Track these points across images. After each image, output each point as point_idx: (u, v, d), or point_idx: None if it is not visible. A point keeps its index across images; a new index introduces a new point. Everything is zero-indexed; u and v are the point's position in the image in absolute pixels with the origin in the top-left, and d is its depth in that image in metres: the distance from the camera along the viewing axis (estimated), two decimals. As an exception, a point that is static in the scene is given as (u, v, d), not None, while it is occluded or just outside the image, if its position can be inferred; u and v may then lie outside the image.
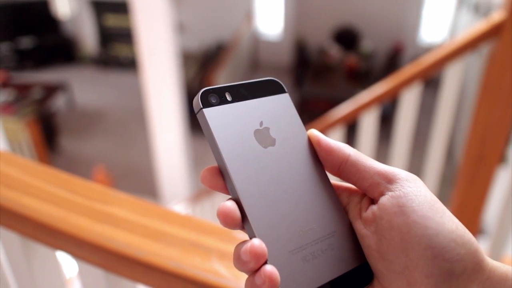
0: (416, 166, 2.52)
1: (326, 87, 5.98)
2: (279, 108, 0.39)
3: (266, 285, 0.30)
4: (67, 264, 1.36)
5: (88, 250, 0.63)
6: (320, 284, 0.34)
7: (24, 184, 0.70)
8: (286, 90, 0.40)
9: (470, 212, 1.74)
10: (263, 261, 0.31)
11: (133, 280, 0.63)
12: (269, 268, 0.31)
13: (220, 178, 0.35)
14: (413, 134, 2.02)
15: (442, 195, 2.40)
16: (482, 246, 2.16)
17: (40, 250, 0.75)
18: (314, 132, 0.38)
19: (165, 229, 0.62)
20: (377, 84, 1.98)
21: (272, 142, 0.37)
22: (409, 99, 1.89)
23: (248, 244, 0.31)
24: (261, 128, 0.37)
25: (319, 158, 0.38)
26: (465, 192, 1.72)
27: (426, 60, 1.78)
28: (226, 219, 0.33)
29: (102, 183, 3.61)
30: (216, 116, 0.36)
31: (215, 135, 0.35)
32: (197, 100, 0.36)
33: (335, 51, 6.49)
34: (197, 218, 0.64)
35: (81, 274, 0.72)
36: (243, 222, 0.34)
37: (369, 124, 2.00)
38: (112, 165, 4.92)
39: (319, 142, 0.38)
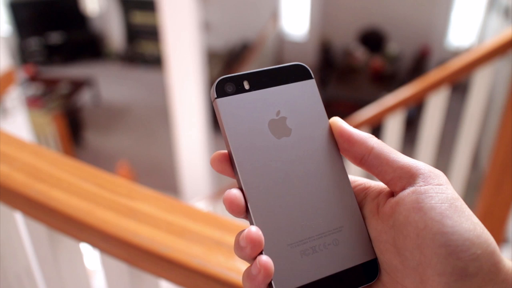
0: (441, 171, 2.48)
1: (350, 89, 5.94)
2: (301, 96, 0.38)
3: (261, 274, 0.31)
4: (90, 256, 1.38)
5: (112, 244, 0.64)
6: (315, 279, 0.33)
7: (53, 177, 0.71)
8: (313, 76, 0.39)
9: (495, 220, 1.71)
10: (259, 249, 0.32)
11: (156, 275, 0.64)
12: (264, 258, 0.31)
13: (228, 164, 0.35)
14: (439, 139, 2.00)
15: (467, 202, 2.35)
16: (506, 255, 2.12)
17: (66, 242, 0.77)
18: (337, 121, 0.37)
19: (189, 226, 0.63)
20: (403, 88, 1.96)
21: (288, 133, 0.36)
22: (436, 104, 1.87)
23: (246, 230, 0.32)
24: (277, 118, 0.36)
25: (338, 149, 0.37)
26: (490, 200, 1.69)
27: (454, 65, 1.75)
28: (230, 206, 0.33)
29: (125, 178, 3.65)
30: (229, 106, 0.35)
31: (225, 125, 0.35)
32: (212, 89, 0.36)
33: (360, 53, 6.43)
34: (221, 217, 0.65)
35: (105, 267, 0.73)
36: (247, 211, 0.34)
37: (394, 127, 1.98)
38: (134, 161, 4.97)
39: (341, 132, 0.37)
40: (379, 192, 0.36)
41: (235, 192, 0.34)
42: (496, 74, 4.00)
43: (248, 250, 0.32)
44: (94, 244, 0.68)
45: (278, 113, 0.36)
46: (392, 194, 0.35)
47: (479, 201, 1.76)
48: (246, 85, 0.36)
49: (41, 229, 0.75)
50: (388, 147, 0.36)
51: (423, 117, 1.95)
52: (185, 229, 0.62)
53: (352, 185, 0.38)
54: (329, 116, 0.38)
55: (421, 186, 0.33)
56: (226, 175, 0.35)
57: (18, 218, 0.82)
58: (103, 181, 0.72)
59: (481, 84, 1.78)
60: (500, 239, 1.77)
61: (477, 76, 1.78)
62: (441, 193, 0.32)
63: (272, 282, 0.32)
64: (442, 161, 2.57)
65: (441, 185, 0.33)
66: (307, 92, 0.38)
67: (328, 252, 0.34)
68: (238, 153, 0.34)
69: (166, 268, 0.60)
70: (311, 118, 0.37)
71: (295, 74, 0.38)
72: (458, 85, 4.51)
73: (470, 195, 2.36)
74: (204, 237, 0.61)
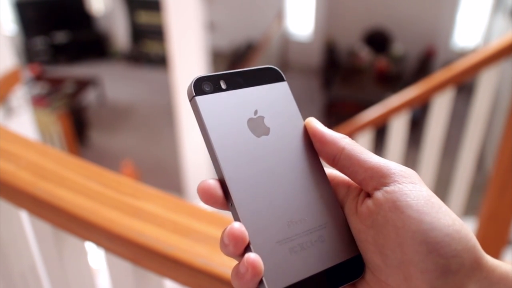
0: (445, 173, 2.47)
1: (355, 89, 5.93)
2: (276, 97, 0.39)
3: (249, 273, 0.30)
4: (95, 255, 1.39)
5: (117, 243, 0.64)
6: (306, 276, 0.33)
7: (58, 176, 0.72)
8: (285, 79, 0.40)
9: (499, 222, 1.70)
10: (242, 245, 0.32)
11: (161, 274, 0.64)
12: (253, 256, 0.31)
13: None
14: (444, 140, 1.99)
15: (472, 204, 2.35)
16: (510, 258, 2.11)
17: (71, 240, 0.77)
18: (310, 122, 0.38)
19: (194, 225, 0.63)
20: (407, 88, 1.96)
21: (266, 131, 0.37)
22: (441, 105, 1.86)
23: (228, 227, 0.32)
24: (255, 116, 0.37)
25: (314, 149, 0.38)
26: (495, 201, 1.69)
27: (460, 66, 1.75)
28: (204, 195, 0.33)
29: (129, 178, 3.65)
30: (208, 104, 0.36)
31: (206, 122, 0.35)
32: (190, 87, 0.36)
33: (365, 54, 6.42)
34: (225, 216, 0.65)
35: (109, 266, 0.73)
36: (230, 207, 0.34)
37: (398, 128, 1.98)
38: (139, 160, 4.98)
39: (314, 133, 0.37)
40: (359, 191, 0.36)
41: (211, 182, 0.34)
42: (502, 75, 3.99)
43: (231, 247, 0.32)
44: (98, 243, 0.68)
45: (256, 112, 0.37)
46: (368, 194, 0.35)
47: (484, 203, 1.75)
48: (223, 85, 0.37)
49: (46, 227, 0.75)
50: (360, 147, 0.36)
51: (428, 118, 1.94)
52: (189, 229, 0.62)
53: (336, 180, 0.38)
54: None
55: (394, 185, 0.33)
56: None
57: (23, 216, 0.83)
58: (108, 180, 0.72)
59: (486, 85, 1.78)
60: (505, 241, 1.76)
61: (483, 77, 1.77)
62: (415, 190, 0.32)
63: (264, 280, 0.32)
64: (447, 162, 2.56)
65: (414, 183, 0.33)
66: (281, 93, 0.39)
67: (315, 249, 0.35)
68: (220, 149, 0.35)
69: (171, 268, 0.60)
70: (287, 118, 0.38)
71: (268, 76, 0.39)
72: (464, 86, 4.50)
73: (475, 196, 2.35)
74: (209, 236, 0.61)
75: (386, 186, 0.33)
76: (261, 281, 0.32)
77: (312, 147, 0.38)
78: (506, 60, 1.69)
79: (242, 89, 0.37)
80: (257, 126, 0.37)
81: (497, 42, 1.72)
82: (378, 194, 0.33)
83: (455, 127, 2.97)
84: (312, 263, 0.34)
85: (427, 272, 0.30)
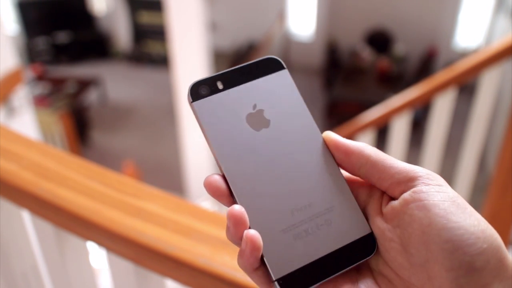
0: (447, 173, 2.47)
1: (357, 90, 5.92)
2: (276, 87, 0.39)
3: (248, 247, 0.32)
4: (96, 255, 1.39)
5: (118, 243, 0.64)
6: (311, 260, 0.34)
7: (60, 176, 0.72)
8: (285, 66, 0.40)
9: (501, 222, 1.70)
10: (242, 226, 0.33)
11: (162, 274, 0.64)
12: (251, 231, 0.32)
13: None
14: (446, 140, 1.99)
15: (473, 204, 2.34)
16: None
17: (72, 240, 0.77)
18: (330, 135, 0.38)
19: (196, 225, 0.63)
20: (409, 89, 1.95)
21: (266, 124, 0.37)
22: (443, 105, 1.86)
23: (229, 208, 0.33)
24: (254, 111, 0.37)
25: (319, 131, 0.38)
26: (497, 202, 1.69)
27: (461, 66, 1.75)
28: (210, 188, 0.34)
29: (131, 178, 3.65)
30: (206, 108, 0.36)
31: (204, 126, 0.36)
32: (187, 93, 0.37)
33: (367, 54, 6.41)
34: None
35: (111, 266, 0.73)
36: (234, 201, 0.35)
37: (400, 129, 1.98)
38: (140, 160, 4.98)
39: (337, 146, 0.37)
40: (383, 192, 0.36)
41: (216, 177, 0.35)
42: (504, 75, 3.98)
43: (232, 228, 0.33)
44: (100, 243, 0.68)
45: (254, 106, 0.37)
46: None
47: (486, 204, 1.75)
48: (220, 85, 0.37)
49: (47, 227, 0.75)
50: (383, 154, 0.36)
51: (430, 119, 1.94)
52: (191, 229, 0.62)
53: (357, 181, 0.38)
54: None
55: (421, 186, 0.33)
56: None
57: (25, 216, 0.83)
58: (110, 180, 0.72)
59: (488, 86, 1.78)
60: (507, 242, 1.76)
61: (485, 77, 1.77)
62: (442, 192, 0.33)
63: (269, 268, 0.33)
64: (449, 163, 2.56)
65: (440, 185, 0.33)
66: (281, 82, 0.39)
67: (321, 233, 0.35)
68: (219, 149, 0.35)
69: (172, 268, 0.60)
70: (289, 107, 0.38)
71: (267, 67, 0.39)
72: (465, 87, 4.49)
73: (476, 197, 2.35)
74: (210, 236, 0.61)
75: (413, 188, 0.33)
76: (267, 270, 0.33)
77: (316, 130, 0.38)
78: (508, 61, 1.69)
79: (240, 86, 0.38)
80: (257, 120, 0.37)
81: (499, 42, 1.72)
82: (406, 195, 0.33)
83: (457, 128, 2.97)
84: (318, 247, 0.34)
85: (452, 270, 0.30)
